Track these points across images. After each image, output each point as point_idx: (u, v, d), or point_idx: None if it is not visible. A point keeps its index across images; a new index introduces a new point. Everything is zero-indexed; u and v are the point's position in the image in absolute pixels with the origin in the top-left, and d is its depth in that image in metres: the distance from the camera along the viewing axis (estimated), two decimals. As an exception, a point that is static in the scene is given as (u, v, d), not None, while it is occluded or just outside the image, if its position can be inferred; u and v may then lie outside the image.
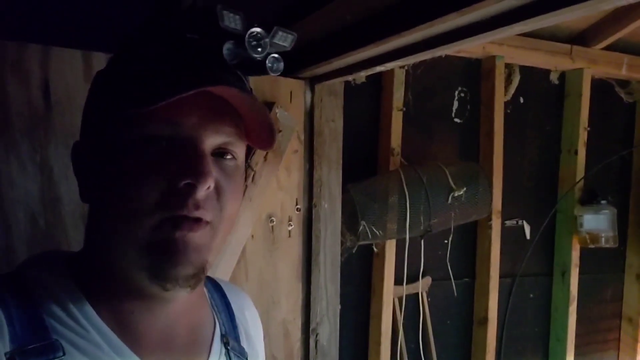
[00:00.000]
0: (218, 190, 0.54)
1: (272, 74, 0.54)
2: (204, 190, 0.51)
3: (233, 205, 0.56)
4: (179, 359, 0.60)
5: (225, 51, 0.51)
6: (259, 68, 0.53)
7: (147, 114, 0.49)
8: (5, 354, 0.49)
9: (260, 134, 0.57)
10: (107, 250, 0.55)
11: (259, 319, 0.76)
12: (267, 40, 0.53)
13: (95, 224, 0.58)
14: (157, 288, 0.53)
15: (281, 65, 0.55)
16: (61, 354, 0.51)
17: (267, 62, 0.54)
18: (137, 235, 0.51)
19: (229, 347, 0.66)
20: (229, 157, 0.55)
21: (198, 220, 0.52)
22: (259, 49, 0.53)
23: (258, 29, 0.52)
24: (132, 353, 0.55)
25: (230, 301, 0.72)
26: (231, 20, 0.51)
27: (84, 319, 0.54)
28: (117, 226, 0.52)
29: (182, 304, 0.60)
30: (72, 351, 0.52)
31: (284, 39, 0.55)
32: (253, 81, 0.60)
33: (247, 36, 0.52)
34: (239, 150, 0.56)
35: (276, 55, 0.54)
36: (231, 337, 0.68)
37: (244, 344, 0.70)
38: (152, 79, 0.51)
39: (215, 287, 0.73)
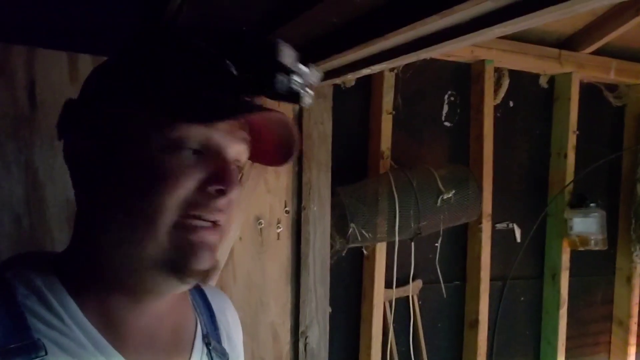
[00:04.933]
0: None
1: (303, 105, 0.58)
2: (230, 197, 0.55)
3: (236, 209, 0.61)
4: (161, 358, 0.61)
5: (278, 84, 0.54)
6: (295, 99, 0.56)
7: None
8: None
9: (275, 153, 0.61)
10: (111, 246, 0.55)
11: (239, 321, 0.77)
12: (308, 76, 0.57)
13: (97, 220, 0.57)
14: (175, 281, 0.55)
15: (312, 99, 0.59)
16: (43, 353, 0.51)
17: (305, 97, 0.57)
18: (160, 231, 0.53)
19: (210, 347, 0.66)
20: (238, 164, 0.59)
21: (214, 223, 0.56)
22: (301, 83, 0.57)
23: (305, 68, 0.56)
24: (116, 352, 0.55)
25: (212, 303, 0.73)
26: (287, 57, 0.54)
27: (68, 318, 0.54)
28: (135, 222, 0.54)
29: (167, 303, 0.61)
30: (54, 350, 0.52)
31: (316, 77, 0.59)
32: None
33: (296, 72, 0.55)
34: (245, 159, 0.60)
35: (311, 92, 0.58)
36: (213, 337, 0.68)
37: (225, 345, 0.70)
38: (202, 93, 0.53)
39: (197, 288, 0.73)
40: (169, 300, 0.61)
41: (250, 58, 0.54)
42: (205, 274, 0.56)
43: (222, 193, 0.54)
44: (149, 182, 0.53)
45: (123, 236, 0.55)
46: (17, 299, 0.53)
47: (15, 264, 0.58)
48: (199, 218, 0.54)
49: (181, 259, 0.54)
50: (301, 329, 1.41)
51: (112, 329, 0.56)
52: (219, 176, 0.54)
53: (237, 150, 0.57)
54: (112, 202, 0.56)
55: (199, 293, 0.73)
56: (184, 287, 0.59)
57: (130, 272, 0.56)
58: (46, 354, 0.51)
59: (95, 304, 0.56)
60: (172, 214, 0.53)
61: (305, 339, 1.41)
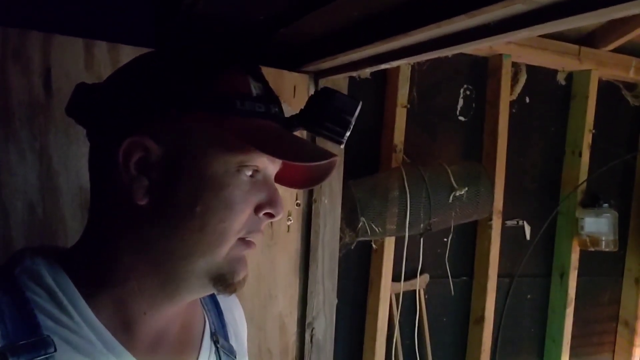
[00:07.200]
0: None
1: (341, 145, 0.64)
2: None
3: None
4: (170, 356, 0.61)
5: (346, 138, 0.61)
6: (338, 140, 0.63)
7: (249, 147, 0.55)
8: None
9: (303, 181, 0.66)
10: (160, 254, 0.56)
11: (244, 319, 0.78)
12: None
13: (134, 226, 0.56)
14: (212, 290, 0.59)
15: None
16: (52, 350, 0.51)
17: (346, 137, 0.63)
18: (223, 250, 0.56)
19: (218, 345, 0.68)
20: None
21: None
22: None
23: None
24: (125, 350, 0.56)
25: (219, 301, 0.74)
26: (355, 115, 0.61)
27: (77, 316, 0.54)
28: (193, 238, 0.55)
29: (184, 304, 0.62)
30: (64, 347, 0.52)
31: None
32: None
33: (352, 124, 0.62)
34: None
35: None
36: (220, 335, 0.70)
37: (232, 342, 0.72)
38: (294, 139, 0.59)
39: None
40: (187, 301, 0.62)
41: (336, 114, 0.60)
42: (240, 285, 0.59)
43: (271, 217, 0.59)
44: (215, 204, 0.55)
45: (176, 247, 0.55)
46: (26, 295, 0.53)
47: (23, 259, 0.57)
48: (247, 237, 0.58)
49: (231, 273, 0.58)
50: (308, 320, 1.41)
51: (124, 329, 0.57)
52: (272, 202, 0.58)
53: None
54: (168, 214, 0.55)
55: None
56: (212, 292, 0.61)
57: (173, 280, 0.57)
58: (55, 350, 0.51)
59: (107, 304, 0.56)
60: (236, 236, 0.57)
61: (312, 331, 1.42)
